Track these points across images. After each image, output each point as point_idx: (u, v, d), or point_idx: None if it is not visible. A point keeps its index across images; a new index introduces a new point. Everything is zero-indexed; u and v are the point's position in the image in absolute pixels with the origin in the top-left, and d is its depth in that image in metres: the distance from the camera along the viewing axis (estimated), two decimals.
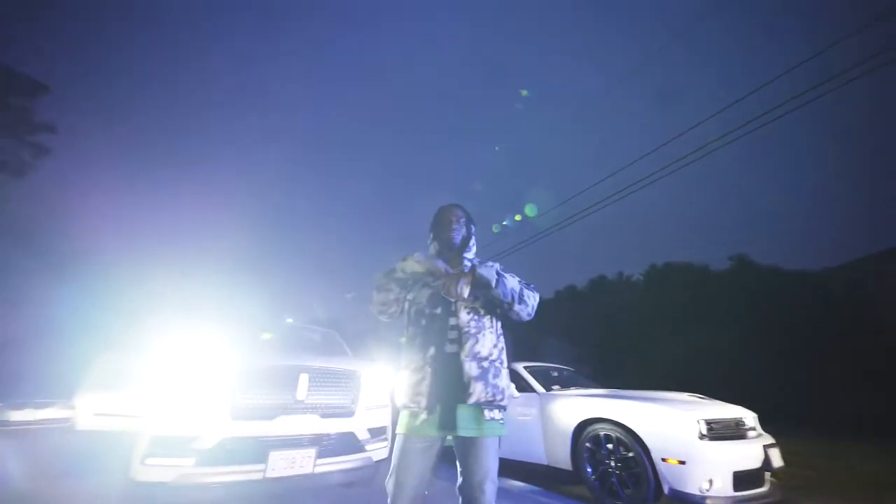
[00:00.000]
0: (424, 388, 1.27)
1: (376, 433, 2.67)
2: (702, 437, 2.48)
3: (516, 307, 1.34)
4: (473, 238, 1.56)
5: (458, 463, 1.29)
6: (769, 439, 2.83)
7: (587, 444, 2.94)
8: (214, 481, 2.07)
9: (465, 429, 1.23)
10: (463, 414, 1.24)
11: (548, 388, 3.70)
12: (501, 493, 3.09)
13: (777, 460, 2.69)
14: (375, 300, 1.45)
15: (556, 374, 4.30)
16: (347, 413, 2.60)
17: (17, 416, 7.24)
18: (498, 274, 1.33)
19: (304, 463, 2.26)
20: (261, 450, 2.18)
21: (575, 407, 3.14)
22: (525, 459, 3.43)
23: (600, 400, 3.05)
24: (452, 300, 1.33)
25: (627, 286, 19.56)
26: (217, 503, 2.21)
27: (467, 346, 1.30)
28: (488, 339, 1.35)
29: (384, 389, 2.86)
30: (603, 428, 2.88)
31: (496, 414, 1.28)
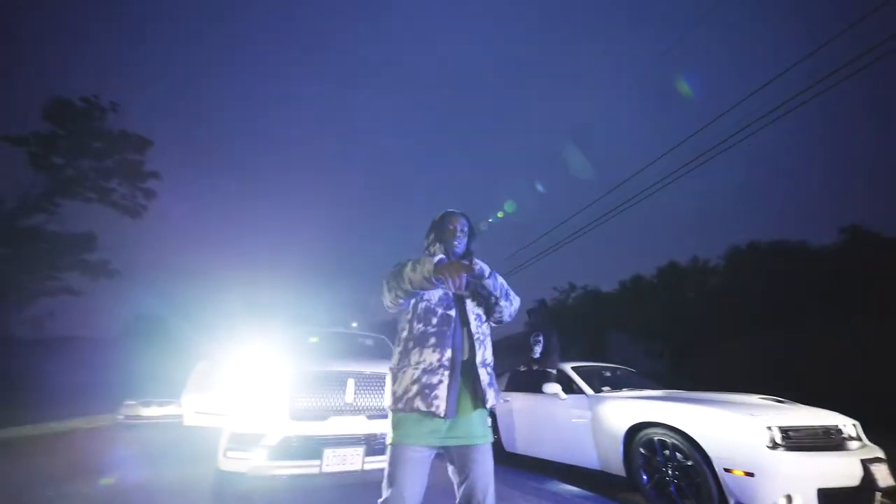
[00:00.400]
0: (442, 391, 1.20)
1: None
2: (774, 446, 2.18)
3: (502, 303, 1.40)
4: (472, 253, 1.55)
5: (456, 471, 1.24)
6: (875, 452, 2.38)
7: (641, 450, 2.75)
8: (280, 473, 2.39)
9: (480, 436, 1.25)
10: (476, 420, 1.27)
11: (597, 390, 3.52)
12: (554, 496, 3.02)
13: (884, 478, 2.25)
14: (387, 297, 1.37)
15: (608, 374, 4.06)
16: None
17: (146, 412, 8.91)
18: (490, 268, 1.37)
19: (353, 460, 2.48)
20: (316, 447, 2.44)
21: (625, 410, 2.96)
22: (577, 463, 3.32)
23: (652, 402, 2.84)
24: (451, 291, 1.32)
25: (704, 273, 17.51)
26: (283, 493, 2.53)
27: (479, 352, 1.33)
28: (489, 346, 1.41)
29: None
30: (656, 433, 2.67)
31: (488, 420, 1.34)
